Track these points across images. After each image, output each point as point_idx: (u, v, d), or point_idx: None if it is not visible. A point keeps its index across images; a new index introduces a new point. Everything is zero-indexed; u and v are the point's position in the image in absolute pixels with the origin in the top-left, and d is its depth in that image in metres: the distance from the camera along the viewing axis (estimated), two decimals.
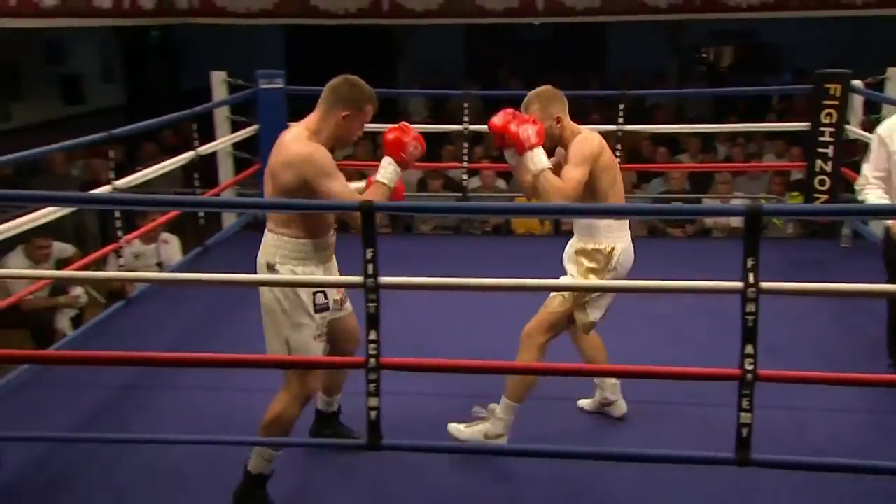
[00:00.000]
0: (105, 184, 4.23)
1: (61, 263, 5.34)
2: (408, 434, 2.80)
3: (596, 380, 3.20)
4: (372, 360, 2.26)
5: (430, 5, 9.11)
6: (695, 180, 7.36)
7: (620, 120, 5.29)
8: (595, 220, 2.82)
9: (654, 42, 11.16)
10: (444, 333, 3.86)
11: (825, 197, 5.04)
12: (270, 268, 2.58)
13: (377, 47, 12.20)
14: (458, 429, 2.95)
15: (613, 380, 3.15)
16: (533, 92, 2.91)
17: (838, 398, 3.16)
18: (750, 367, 2.29)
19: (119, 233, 4.18)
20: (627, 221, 2.93)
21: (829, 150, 5.00)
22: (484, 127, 7.90)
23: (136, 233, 4.66)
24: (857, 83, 4.98)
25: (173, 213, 4.96)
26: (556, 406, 3.22)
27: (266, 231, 2.63)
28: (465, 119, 5.44)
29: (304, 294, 2.55)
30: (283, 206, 2.64)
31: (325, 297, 2.58)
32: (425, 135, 8.82)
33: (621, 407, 3.18)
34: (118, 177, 4.22)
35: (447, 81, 11.26)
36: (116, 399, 3.34)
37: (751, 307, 2.27)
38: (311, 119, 2.65)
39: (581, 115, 10.76)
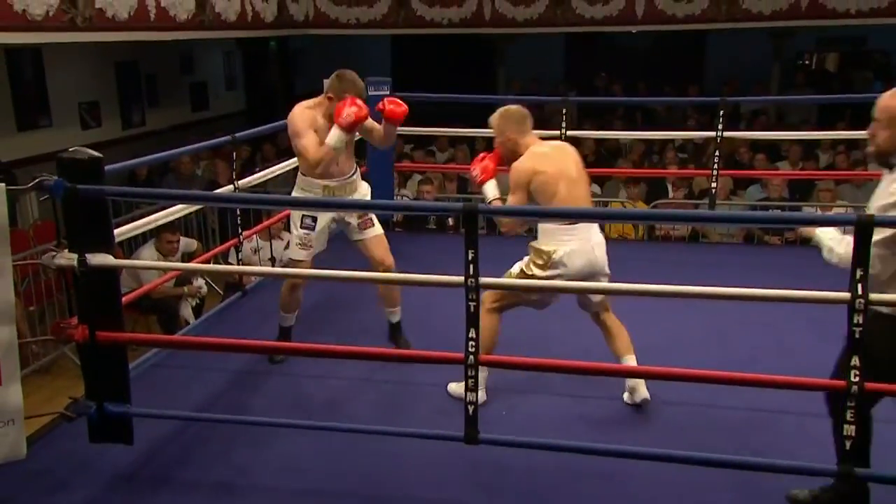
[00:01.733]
0: (226, 183, 4.41)
1: (186, 257, 5.63)
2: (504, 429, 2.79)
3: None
4: (471, 357, 2.27)
5: (531, 14, 9.06)
6: (794, 188, 7.01)
7: (720, 126, 5.11)
8: (542, 225, 3.05)
9: (756, 48, 10.69)
10: (534, 333, 3.82)
11: None
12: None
13: (478, 55, 12.23)
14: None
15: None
16: (497, 112, 3.17)
17: None
18: (856, 379, 2.17)
19: (238, 229, 4.36)
20: (584, 226, 3.01)
21: None
22: (581, 133, 7.76)
23: (254, 229, 4.84)
24: None
25: (286, 212, 5.13)
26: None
27: None
28: (563, 125, 5.37)
29: (296, 214, 3.44)
30: (383, 208, 2.68)
31: (313, 220, 3.40)
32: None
33: (642, 392, 3.08)
34: (242, 175, 4.39)
35: (546, 88, 11.17)
36: (234, 383, 3.48)
37: (858, 318, 2.15)
38: (317, 98, 3.40)
39: (679, 120, 10.46)
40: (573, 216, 3.01)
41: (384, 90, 5.32)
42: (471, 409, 2.30)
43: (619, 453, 2.41)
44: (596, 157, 8.23)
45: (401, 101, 3.40)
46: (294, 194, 3.46)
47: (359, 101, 3.24)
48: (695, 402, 3.14)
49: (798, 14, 8.50)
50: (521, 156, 3.05)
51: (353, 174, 3.52)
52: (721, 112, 5.13)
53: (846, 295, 2.15)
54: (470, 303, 2.26)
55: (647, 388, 3.08)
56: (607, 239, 3.20)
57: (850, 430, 2.19)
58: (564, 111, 5.43)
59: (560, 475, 2.67)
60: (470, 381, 2.29)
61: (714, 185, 5.18)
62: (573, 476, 2.67)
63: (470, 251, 2.24)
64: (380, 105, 3.42)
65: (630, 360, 3.07)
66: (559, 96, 6.16)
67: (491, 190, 3.12)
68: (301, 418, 2.95)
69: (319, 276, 3.16)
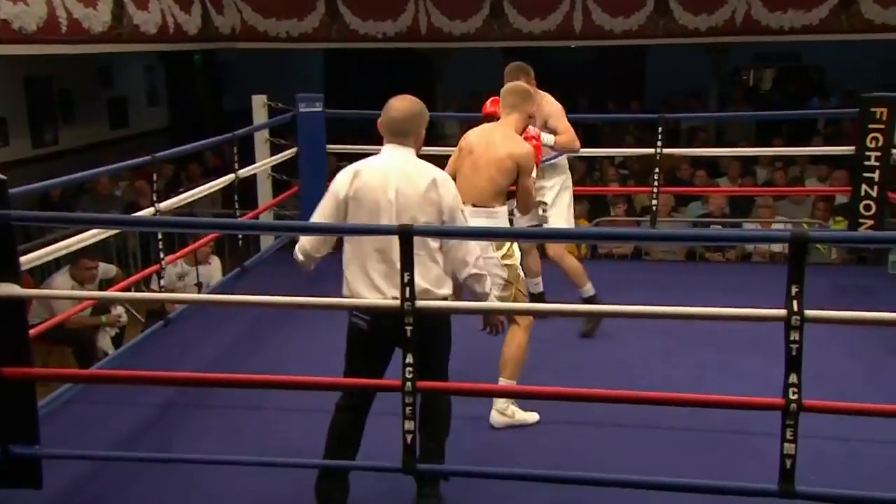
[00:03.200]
0: (147, 206, 4.33)
1: (105, 284, 5.47)
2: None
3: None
4: (408, 384, 2.27)
5: (468, 29, 9.20)
6: (735, 204, 7.27)
7: (659, 143, 5.27)
8: (499, 215, 3.26)
9: (695, 64, 11.09)
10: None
11: (871, 222, 4.93)
12: None
13: (416, 70, 12.33)
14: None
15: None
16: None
17: (892, 429, 3.08)
18: (794, 397, 2.25)
19: (161, 254, 4.27)
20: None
21: (875, 175, 4.90)
22: None
23: (177, 254, 4.75)
24: None
25: (213, 235, 5.05)
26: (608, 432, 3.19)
27: None
28: None
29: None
30: (324, 231, 2.68)
31: None
32: None
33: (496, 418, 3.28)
34: (166, 195, 4.31)
35: (484, 103, 11.34)
36: (157, 417, 3.39)
37: (795, 335, 2.23)
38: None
39: (619, 137, 10.72)
40: (503, 237, 3.06)
41: (316, 107, 5.32)
42: (408, 438, 2.30)
43: (561, 479, 2.44)
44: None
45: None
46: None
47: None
48: (640, 424, 3.21)
49: (733, 30, 8.86)
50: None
51: None
52: (660, 129, 5.30)
53: (783, 312, 2.24)
54: (406, 328, 2.27)
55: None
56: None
57: (790, 448, 2.27)
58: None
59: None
60: (407, 409, 2.29)
61: (655, 202, 5.34)
62: None
63: (405, 273, 2.25)
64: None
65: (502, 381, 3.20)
66: None
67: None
68: (233, 453, 2.90)
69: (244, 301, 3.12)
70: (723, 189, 7.42)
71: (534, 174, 3.35)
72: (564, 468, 2.65)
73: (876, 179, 4.92)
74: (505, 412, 3.22)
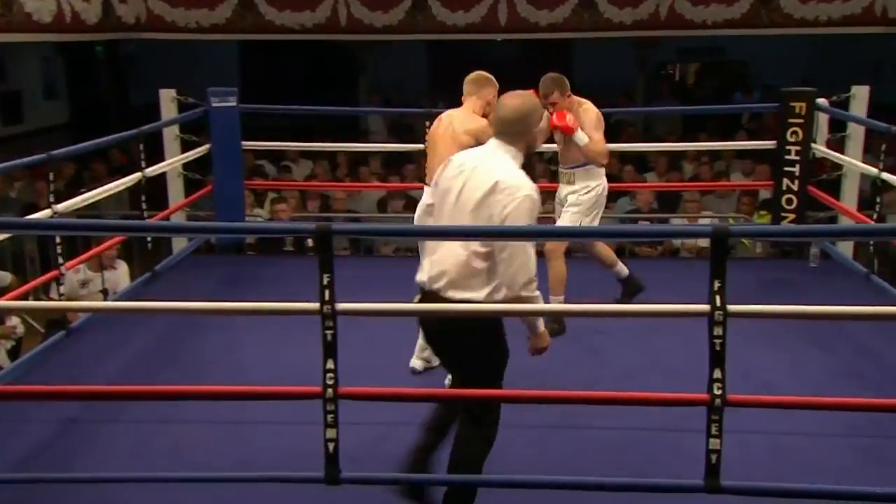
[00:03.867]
0: (45, 207, 4.16)
1: None
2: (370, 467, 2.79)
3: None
4: (329, 391, 2.26)
5: (390, 21, 9.18)
6: (662, 199, 7.49)
7: None
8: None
9: (621, 58, 11.37)
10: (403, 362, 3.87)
11: (793, 216, 5.16)
12: None
13: (337, 63, 12.23)
14: None
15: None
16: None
17: (814, 422, 3.23)
18: (719, 392, 2.34)
19: (60, 259, 4.12)
20: None
21: (796, 169, 5.13)
22: None
23: (78, 259, 4.59)
24: (821, 101, 5.12)
25: (118, 238, 4.89)
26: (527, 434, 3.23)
27: None
28: (427, 137, 5.47)
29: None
30: (238, 231, 2.64)
31: None
32: (385, 154, 8.84)
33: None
34: (67, 195, 4.15)
35: (410, 98, 11.34)
36: (58, 435, 3.27)
37: (718, 330, 2.32)
38: None
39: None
40: (443, 235, 3.06)
41: (229, 102, 5.22)
42: (331, 446, 2.29)
43: (489, 483, 2.47)
44: None
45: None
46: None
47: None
48: (567, 425, 3.27)
49: (658, 24, 9.12)
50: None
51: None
52: None
53: (706, 307, 2.32)
54: (326, 332, 2.25)
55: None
56: None
57: (715, 443, 2.36)
58: (428, 123, 5.53)
59: None
60: (329, 416, 2.28)
61: None
62: None
63: (325, 275, 2.24)
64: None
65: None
66: (424, 107, 6.28)
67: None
68: (143, 470, 2.82)
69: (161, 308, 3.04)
70: (650, 184, 7.63)
71: None
72: (499, 471, 2.67)
73: (797, 173, 5.15)
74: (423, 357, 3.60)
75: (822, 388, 3.43)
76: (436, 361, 3.62)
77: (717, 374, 2.34)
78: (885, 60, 12.74)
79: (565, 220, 4.17)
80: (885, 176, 4.63)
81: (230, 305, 2.67)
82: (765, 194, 6.56)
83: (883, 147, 4.74)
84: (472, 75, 3.75)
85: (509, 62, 13.74)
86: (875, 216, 4.72)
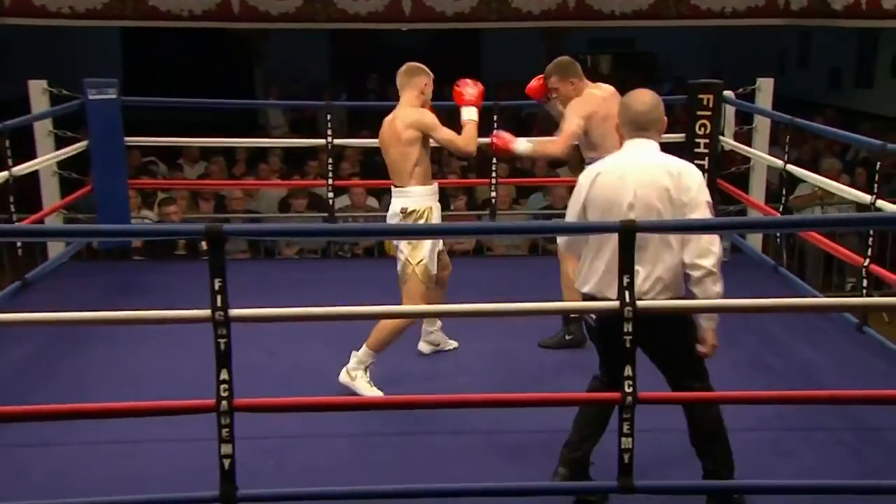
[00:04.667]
0: None
1: None
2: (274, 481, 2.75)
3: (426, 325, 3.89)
4: (224, 403, 2.22)
5: (287, 8, 9.06)
6: None
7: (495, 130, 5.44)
8: (411, 195, 3.65)
9: (531, 49, 11.57)
10: (312, 368, 3.83)
11: None
12: None
13: (232, 53, 12.00)
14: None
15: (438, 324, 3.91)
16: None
17: (726, 417, 3.35)
18: (629, 390, 2.42)
19: None
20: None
21: (706, 162, 5.33)
22: (350, 141, 7.90)
23: None
24: (728, 94, 5.34)
25: None
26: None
27: None
28: (329, 132, 5.43)
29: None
30: (118, 234, 2.56)
31: None
32: (285, 150, 8.71)
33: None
34: None
35: (310, 91, 11.23)
36: None
37: (628, 327, 2.40)
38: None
39: (459, 126, 10.95)
40: (366, 235, 3.06)
41: (109, 94, 5.03)
42: (226, 463, 2.25)
43: (398, 494, 2.48)
44: (371, 167, 8.40)
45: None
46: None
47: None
48: (480, 430, 3.31)
49: (567, 14, 9.32)
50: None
51: None
52: (496, 116, 5.47)
53: (615, 304, 2.39)
54: (219, 340, 2.21)
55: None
56: (387, 256, 3.31)
57: (627, 443, 2.43)
58: (329, 116, 5.50)
59: None
60: (224, 431, 2.23)
61: (494, 194, 5.52)
62: None
63: (216, 280, 2.20)
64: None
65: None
66: (326, 100, 6.25)
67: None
68: (21, 499, 2.70)
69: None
70: (563, 179, 7.78)
71: (441, 128, 3.64)
72: (398, 481, 2.68)
73: (706, 166, 5.35)
74: (351, 373, 3.51)
75: (731, 382, 3.56)
76: (446, 345, 3.97)
77: (628, 371, 2.42)
78: (788, 52, 13.44)
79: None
80: (791, 168, 4.87)
81: (113, 315, 2.58)
82: None
83: (787, 139, 4.98)
84: (403, 67, 3.79)
85: (416, 53, 13.69)
86: (781, 209, 4.96)
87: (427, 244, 3.59)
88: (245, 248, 6.50)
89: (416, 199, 3.64)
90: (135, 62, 12.36)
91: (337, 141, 5.59)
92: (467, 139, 3.71)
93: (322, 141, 5.59)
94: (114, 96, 5.05)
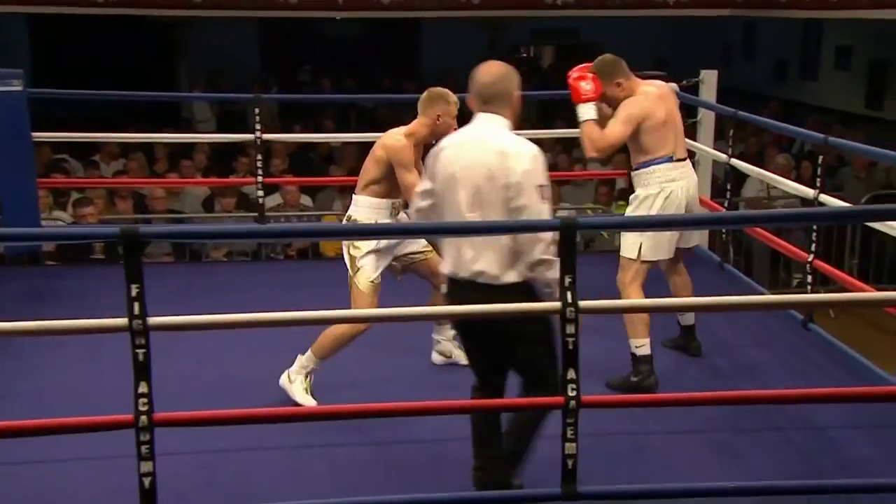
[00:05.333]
0: None
1: None
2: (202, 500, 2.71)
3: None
4: (143, 418, 2.17)
5: None
6: None
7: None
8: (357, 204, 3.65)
9: (472, 40, 11.62)
10: (244, 378, 3.79)
11: None
12: None
13: (154, 43, 11.77)
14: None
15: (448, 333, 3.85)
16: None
17: (670, 419, 3.42)
18: (573, 394, 2.44)
19: None
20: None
21: None
22: (281, 136, 7.82)
23: None
24: (672, 86, 5.43)
25: None
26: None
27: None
28: (258, 127, 5.37)
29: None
30: (23, 238, 2.48)
31: None
32: (212, 146, 8.53)
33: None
34: None
35: (239, 83, 11.08)
36: None
37: (570, 328, 2.42)
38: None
39: (395, 119, 10.91)
40: (298, 235, 3.02)
41: (13, 85, 4.87)
42: (147, 481, 2.20)
43: None
44: (304, 164, 8.34)
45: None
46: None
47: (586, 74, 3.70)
48: (414, 438, 3.30)
49: (508, 4, 9.40)
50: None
51: None
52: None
53: (556, 304, 2.41)
54: (137, 350, 2.17)
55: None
56: (323, 257, 3.27)
57: (571, 448, 2.46)
58: (258, 110, 5.43)
59: None
60: (143, 448, 2.19)
61: None
62: None
63: (133, 286, 2.15)
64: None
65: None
66: (255, 93, 6.17)
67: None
68: None
69: None
70: None
71: (410, 172, 3.51)
72: (334, 495, 2.66)
73: None
74: (291, 376, 3.54)
75: (677, 384, 3.65)
76: (461, 358, 3.71)
77: (571, 374, 2.44)
78: (734, 44, 13.77)
79: (625, 248, 3.80)
80: (735, 162, 4.99)
81: (19, 325, 2.50)
82: (623, 183, 6.91)
83: (731, 133, 5.10)
84: (425, 93, 3.72)
85: (351, 43, 13.76)
86: (726, 204, 5.07)
87: (368, 258, 3.56)
88: (169, 251, 6.39)
89: (362, 210, 3.64)
90: (44, 52, 11.99)
91: (266, 136, 5.52)
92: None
93: (250, 136, 5.52)
94: (19, 88, 4.89)
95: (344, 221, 3.70)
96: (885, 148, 3.92)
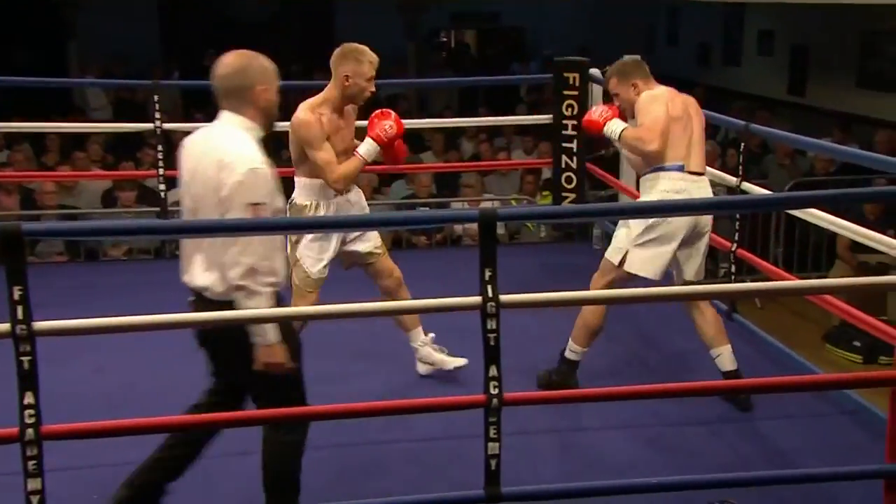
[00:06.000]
0: None
1: None
2: None
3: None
4: (29, 431, 2.09)
5: None
6: (441, 181, 7.73)
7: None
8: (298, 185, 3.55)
9: (389, 25, 11.58)
10: (149, 385, 3.69)
11: (573, 196, 5.52)
12: None
13: (40, 24, 11.36)
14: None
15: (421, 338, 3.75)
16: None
17: (599, 415, 3.48)
18: (495, 391, 2.44)
19: None
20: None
21: (574, 145, 5.48)
22: (184, 125, 7.69)
23: None
24: (595, 72, 5.50)
25: None
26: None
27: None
28: (157, 115, 5.24)
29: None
30: None
31: None
32: (109, 136, 8.33)
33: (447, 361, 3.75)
34: None
35: (138, 69, 10.79)
36: None
37: (492, 323, 2.42)
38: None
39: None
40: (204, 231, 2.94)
41: None
42: (35, 500, 2.12)
43: None
44: None
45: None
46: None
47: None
48: (336, 443, 3.28)
49: None
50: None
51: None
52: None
53: (477, 299, 2.41)
54: (22, 358, 2.09)
55: None
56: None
57: (494, 448, 2.46)
58: (157, 98, 5.30)
59: None
60: (30, 463, 2.11)
61: None
62: None
63: (16, 288, 2.07)
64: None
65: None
66: (155, 79, 6.01)
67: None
68: None
69: None
70: (426, 165, 7.83)
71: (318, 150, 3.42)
72: None
73: (574, 150, 5.51)
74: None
75: (607, 379, 3.70)
76: (445, 364, 3.76)
77: (493, 371, 2.44)
78: (657, 28, 14.05)
79: (633, 263, 3.53)
80: None
81: None
82: (548, 173, 6.98)
83: None
84: (335, 51, 3.57)
85: (260, 27, 13.52)
86: None
87: (308, 248, 3.49)
88: (62, 250, 6.19)
89: (301, 191, 3.55)
90: None
91: (168, 125, 5.40)
92: (340, 175, 3.45)
93: (150, 126, 5.38)
94: None
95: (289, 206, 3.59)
96: (807, 135, 4.06)
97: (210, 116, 3.64)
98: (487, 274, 2.40)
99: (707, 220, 3.59)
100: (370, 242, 3.62)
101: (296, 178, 3.57)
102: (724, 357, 3.61)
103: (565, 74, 5.40)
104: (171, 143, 7.53)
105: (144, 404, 3.35)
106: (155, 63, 11.30)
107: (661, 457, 3.30)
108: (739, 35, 12.10)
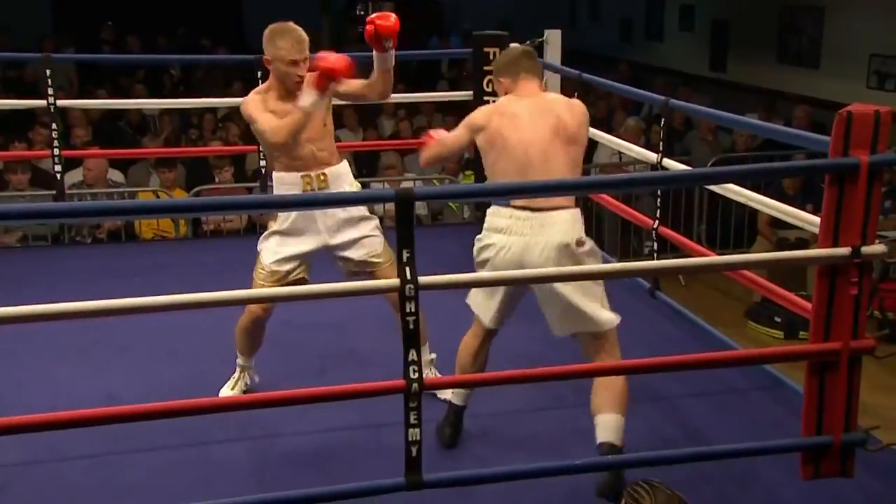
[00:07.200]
0: None
1: None
2: None
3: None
4: None
5: None
6: (360, 161, 7.69)
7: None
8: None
9: None
10: (44, 380, 3.62)
11: None
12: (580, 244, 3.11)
13: None
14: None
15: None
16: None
17: (522, 396, 3.54)
18: (415, 376, 2.47)
19: None
20: None
21: None
22: (80, 102, 7.45)
23: None
24: (515, 46, 5.54)
25: None
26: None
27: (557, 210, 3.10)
28: (50, 91, 5.09)
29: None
30: None
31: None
32: None
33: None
34: None
35: (26, 42, 10.43)
36: None
37: (410, 306, 2.44)
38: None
39: (218, 85, 10.55)
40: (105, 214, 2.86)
41: None
42: None
43: None
44: (111, 134, 7.99)
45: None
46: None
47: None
48: (251, 436, 3.27)
49: None
50: None
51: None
52: (259, 74, 5.34)
53: (395, 282, 2.43)
54: None
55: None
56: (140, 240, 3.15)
57: (415, 434, 2.49)
58: (50, 73, 5.14)
59: None
60: None
61: (263, 163, 5.40)
62: None
63: None
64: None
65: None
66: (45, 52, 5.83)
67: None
68: None
69: None
70: (344, 144, 7.79)
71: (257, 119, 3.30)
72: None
73: None
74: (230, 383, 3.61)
75: (528, 360, 3.77)
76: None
77: (413, 355, 2.47)
78: (579, 3, 14.24)
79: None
80: None
81: None
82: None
83: (576, 95, 5.28)
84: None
85: (160, 3, 13.21)
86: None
87: (268, 240, 3.41)
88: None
89: (275, 187, 3.45)
90: None
91: (62, 102, 5.25)
92: (280, 129, 3.24)
93: (42, 102, 5.22)
94: None
95: None
96: (729, 111, 4.19)
97: (112, 93, 3.54)
98: (405, 255, 2.41)
99: (539, 259, 3.08)
100: (364, 250, 3.43)
101: (273, 173, 3.47)
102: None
103: (485, 49, 5.42)
104: (67, 122, 7.38)
105: (38, 400, 3.31)
106: (45, 35, 10.94)
107: (584, 438, 3.38)
108: (661, 10, 12.35)
